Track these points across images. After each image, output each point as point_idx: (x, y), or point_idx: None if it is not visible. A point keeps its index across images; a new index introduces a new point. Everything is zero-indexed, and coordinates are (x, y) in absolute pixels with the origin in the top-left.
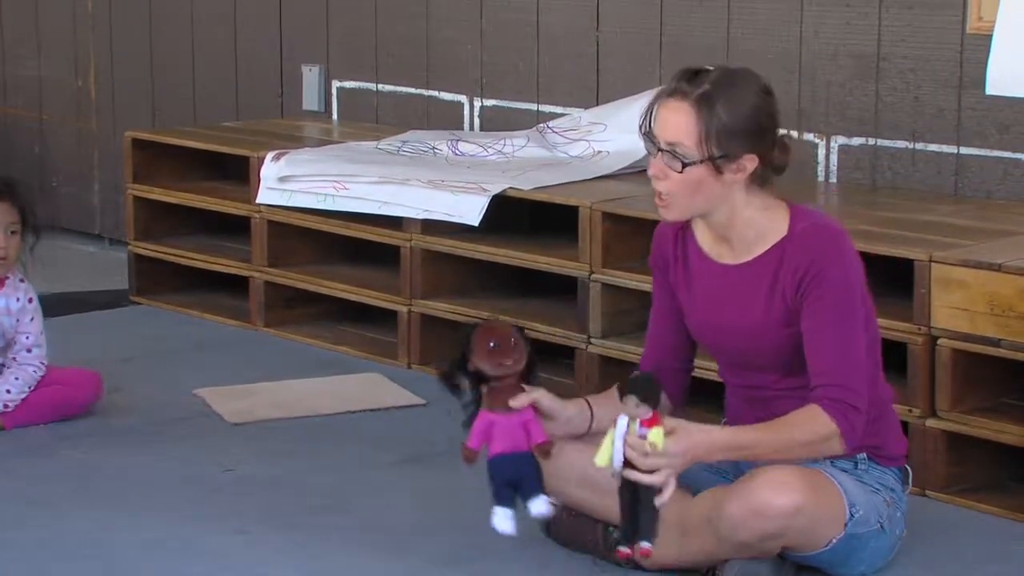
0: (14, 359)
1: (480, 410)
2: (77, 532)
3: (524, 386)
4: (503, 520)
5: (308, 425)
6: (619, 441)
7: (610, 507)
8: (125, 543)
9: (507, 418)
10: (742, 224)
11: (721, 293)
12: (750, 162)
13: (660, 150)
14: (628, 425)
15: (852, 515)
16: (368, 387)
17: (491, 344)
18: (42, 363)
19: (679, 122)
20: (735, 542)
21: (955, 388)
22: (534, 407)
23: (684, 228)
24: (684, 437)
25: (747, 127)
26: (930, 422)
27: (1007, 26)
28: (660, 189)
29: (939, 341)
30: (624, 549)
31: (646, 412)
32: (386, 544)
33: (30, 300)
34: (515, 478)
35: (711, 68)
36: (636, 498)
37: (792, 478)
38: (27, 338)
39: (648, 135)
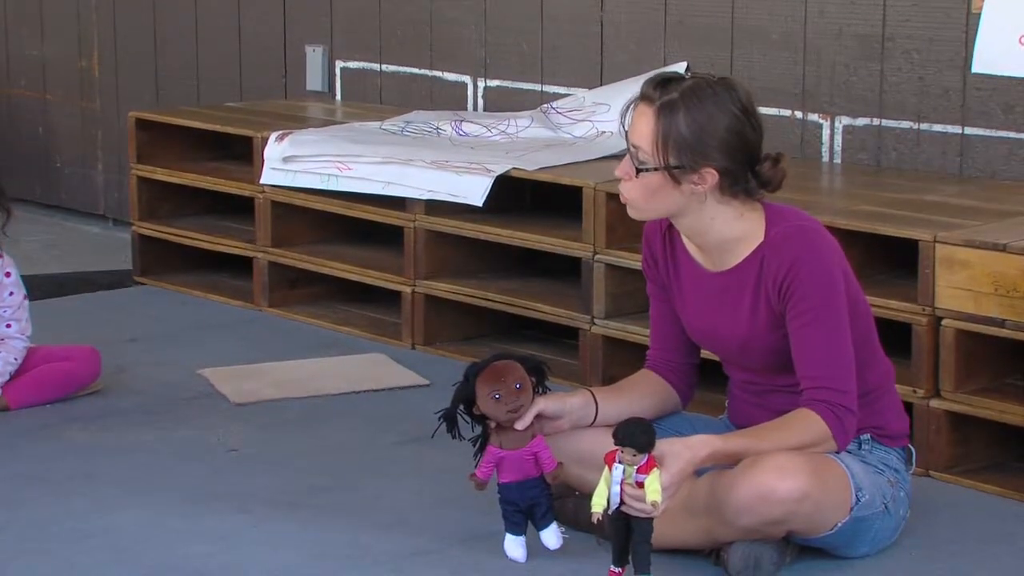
0: None
1: (489, 444)
2: (80, 511)
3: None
4: (514, 547)
5: (312, 405)
6: (616, 486)
7: None
8: (128, 523)
9: (517, 453)
10: (713, 233)
11: (708, 299)
12: (710, 176)
13: (628, 151)
14: (625, 471)
15: (858, 499)
16: (372, 367)
17: (495, 396)
18: (24, 335)
19: (641, 127)
20: (739, 527)
21: (959, 368)
22: (541, 417)
23: (670, 227)
24: (673, 463)
25: (708, 141)
26: (933, 402)
27: (994, 5)
28: (621, 189)
29: (943, 321)
30: (616, 569)
31: (642, 459)
32: (389, 524)
33: (7, 275)
34: (526, 504)
35: (686, 76)
36: (630, 528)
37: (797, 463)
38: (5, 312)
39: (625, 135)
